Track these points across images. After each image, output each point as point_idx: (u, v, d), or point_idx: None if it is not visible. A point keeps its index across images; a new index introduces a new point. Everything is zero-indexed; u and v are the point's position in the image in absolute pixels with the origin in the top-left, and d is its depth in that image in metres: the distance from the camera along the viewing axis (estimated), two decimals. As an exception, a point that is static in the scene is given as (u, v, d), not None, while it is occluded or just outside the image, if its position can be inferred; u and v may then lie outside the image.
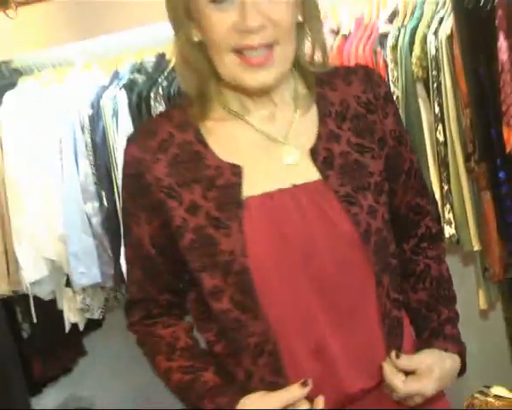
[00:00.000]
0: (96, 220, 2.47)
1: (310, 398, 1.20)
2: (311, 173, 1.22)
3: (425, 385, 1.24)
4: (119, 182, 2.22)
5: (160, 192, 1.22)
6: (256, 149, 1.24)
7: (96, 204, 2.47)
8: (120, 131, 2.38)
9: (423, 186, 1.40)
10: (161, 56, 2.46)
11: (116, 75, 2.47)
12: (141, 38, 2.47)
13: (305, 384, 1.20)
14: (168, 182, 1.22)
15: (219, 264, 1.20)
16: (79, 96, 2.46)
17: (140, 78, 2.44)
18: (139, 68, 2.47)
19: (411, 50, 2.16)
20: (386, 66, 2.20)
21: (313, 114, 1.27)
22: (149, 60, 2.49)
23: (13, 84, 2.54)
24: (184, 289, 1.34)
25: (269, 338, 1.21)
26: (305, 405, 1.19)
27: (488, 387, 1.79)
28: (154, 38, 2.42)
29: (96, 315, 2.61)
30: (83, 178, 2.46)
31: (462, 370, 1.28)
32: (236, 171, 1.21)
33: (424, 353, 1.26)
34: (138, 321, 1.35)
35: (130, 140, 1.31)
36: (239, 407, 1.21)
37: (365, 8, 2.33)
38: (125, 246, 1.36)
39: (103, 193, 2.46)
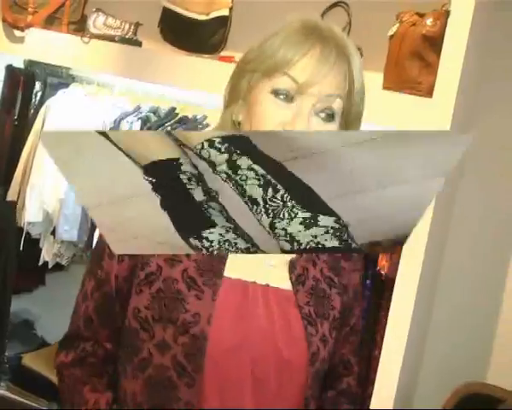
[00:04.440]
0: (88, 199, 2.89)
1: None
2: (284, 282, 1.17)
3: None
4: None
5: None
6: None
7: (93, 189, 2.88)
8: (127, 148, 2.85)
9: (359, 346, 1.33)
10: (173, 109, 2.77)
11: (138, 108, 2.79)
12: (164, 90, 2.77)
13: None
14: None
15: (177, 321, 1.08)
16: (108, 111, 2.76)
17: (153, 117, 2.73)
18: (155, 111, 2.77)
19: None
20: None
21: None
22: (164, 108, 2.78)
23: (66, 85, 2.91)
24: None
25: None
26: None
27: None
28: (172, 95, 2.79)
29: (64, 262, 2.90)
30: (90, 167, 2.89)
31: None
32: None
33: None
34: (70, 364, 1.18)
35: None
36: None
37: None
38: (88, 276, 1.20)
39: (100, 184, 2.87)
